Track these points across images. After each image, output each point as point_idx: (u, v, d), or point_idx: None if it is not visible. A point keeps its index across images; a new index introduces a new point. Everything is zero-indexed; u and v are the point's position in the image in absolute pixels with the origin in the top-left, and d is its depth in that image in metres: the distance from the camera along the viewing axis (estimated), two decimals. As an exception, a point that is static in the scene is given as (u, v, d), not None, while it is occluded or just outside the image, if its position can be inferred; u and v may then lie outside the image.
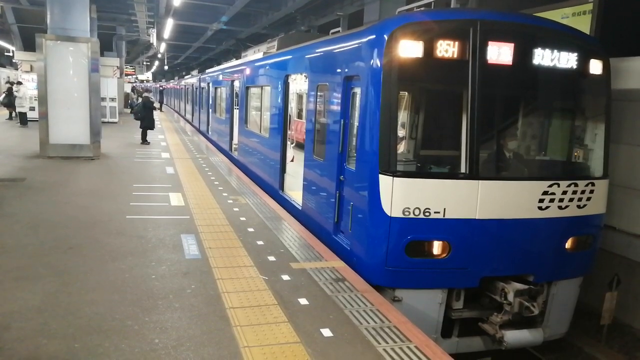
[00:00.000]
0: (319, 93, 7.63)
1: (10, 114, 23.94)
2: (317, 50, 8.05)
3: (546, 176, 5.98)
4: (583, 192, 5.94)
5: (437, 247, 5.58)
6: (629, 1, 10.50)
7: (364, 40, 6.04)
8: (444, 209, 5.45)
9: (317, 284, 5.36)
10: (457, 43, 5.45)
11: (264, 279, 5.39)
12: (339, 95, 6.64)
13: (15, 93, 22.30)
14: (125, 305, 4.59)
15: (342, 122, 6.56)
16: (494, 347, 5.98)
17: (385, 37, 5.50)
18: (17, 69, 30.93)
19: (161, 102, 43.82)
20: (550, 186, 5.72)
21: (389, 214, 5.45)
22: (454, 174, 5.69)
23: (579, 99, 6.57)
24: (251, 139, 12.39)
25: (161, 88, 55.40)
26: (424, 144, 7.14)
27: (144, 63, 64.54)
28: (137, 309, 4.54)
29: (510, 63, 5.63)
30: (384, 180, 5.47)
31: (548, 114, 6.82)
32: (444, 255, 5.57)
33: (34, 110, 20.31)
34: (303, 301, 4.89)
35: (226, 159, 14.50)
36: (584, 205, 5.99)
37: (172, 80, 61.06)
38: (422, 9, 9.66)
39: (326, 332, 4.28)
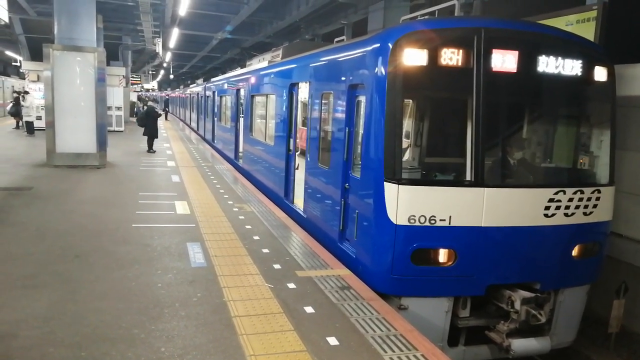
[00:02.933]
0: (323, 101, 7.66)
1: (17, 123, 24.14)
2: (321, 59, 8.09)
3: (552, 183, 5.96)
4: (589, 199, 5.91)
5: (443, 255, 5.56)
6: (633, 8, 10.51)
7: (369, 48, 6.07)
8: (450, 217, 5.44)
9: (323, 292, 5.36)
10: (461, 51, 5.47)
11: (270, 287, 5.39)
12: (344, 103, 6.66)
13: (22, 102, 22.49)
14: (131, 314, 4.60)
15: (346, 130, 6.58)
16: (501, 356, 5.93)
17: (390, 45, 5.52)
18: (23, 79, 31.24)
19: (166, 111, 44.10)
20: (556, 193, 5.70)
21: (394, 222, 5.45)
22: (459, 182, 5.69)
23: (584, 105, 6.56)
24: (256, 147, 12.43)
25: (167, 97, 55.76)
26: (429, 152, 7.15)
27: (150, 72, 65.02)
28: (143, 317, 4.55)
29: (515, 70, 5.64)
30: (389, 188, 5.47)
31: (553, 121, 6.81)
32: (450, 263, 5.55)
33: (40, 119, 20.47)
34: (309, 309, 4.88)
35: (231, 167, 14.55)
36: (590, 213, 5.96)
37: (178, 89, 61.42)
38: (426, 17, 9.69)
39: (332, 341, 4.26)
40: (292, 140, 9.39)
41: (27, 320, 4.40)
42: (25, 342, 4.01)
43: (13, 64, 42.78)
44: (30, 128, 21.72)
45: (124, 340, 4.11)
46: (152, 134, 17.32)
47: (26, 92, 23.33)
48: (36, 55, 25.33)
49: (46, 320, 4.41)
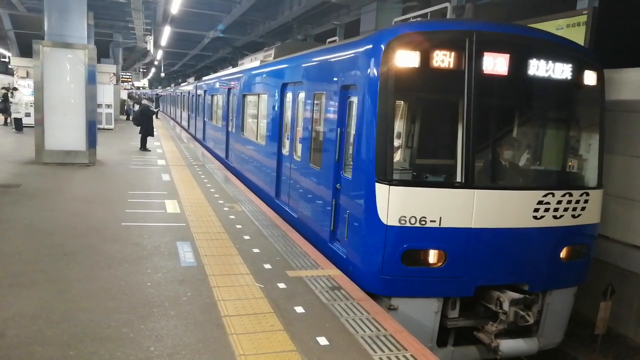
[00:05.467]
0: (315, 102, 7.67)
1: (6, 120, 23.89)
2: (314, 59, 8.10)
3: (541, 186, 6.02)
4: (577, 201, 5.97)
5: (432, 256, 5.59)
6: (623, 13, 10.64)
7: (361, 49, 6.09)
8: (440, 218, 5.47)
9: (313, 292, 5.36)
10: (453, 53, 5.50)
11: (260, 287, 5.39)
12: (336, 104, 6.68)
13: (10, 99, 22.26)
14: (120, 313, 4.57)
15: (338, 131, 6.59)
16: (489, 357, 5.97)
17: (382, 47, 5.54)
18: (12, 75, 30.92)
19: (157, 109, 43.88)
20: (545, 196, 5.76)
21: (385, 223, 5.46)
22: (449, 183, 5.71)
23: (573, 109, 6.62)
24: (247, 147, 12.41)
25: (157, 95, 55.51)
26: (420, 153, 7.18)
27: (141, 70, 64.66)
28: (132, 316, 4.52)
29: (506, 73, 5.68)
30: (380, 189, 5.49)
31: (543, 124, 6.87)
32: (440, 264, 5.58)
33: (29, 116, 20.28)
34: (299, 309, 4.89)
35: (222, 166, 14.50)
36: (579, 215, 6.02)
37: (169, 88, 61.13)
38: (419, 19, 9.73)
39: (322, 341, 4.27)
40: (284, 140, 9.38)
41: (14, 318, 4.36)
42: (13, 341, 3.97)
43: (1, 59, 42.36)
44: (18, 125, 21.50)
45: (112, 339, 4.08)
46: (147, 132, 17.31)
47: (15, 89, 23.10)
48: (25, 51, 25.07)
49: (34, 318, 4.37)
